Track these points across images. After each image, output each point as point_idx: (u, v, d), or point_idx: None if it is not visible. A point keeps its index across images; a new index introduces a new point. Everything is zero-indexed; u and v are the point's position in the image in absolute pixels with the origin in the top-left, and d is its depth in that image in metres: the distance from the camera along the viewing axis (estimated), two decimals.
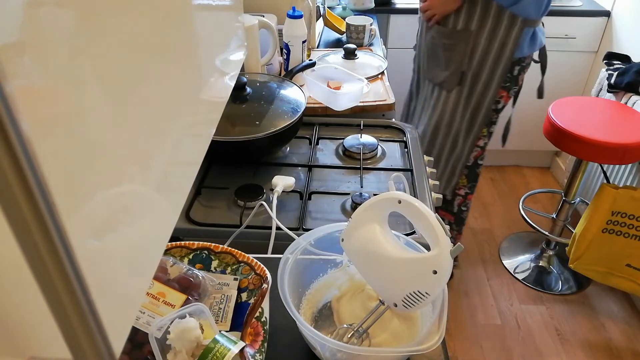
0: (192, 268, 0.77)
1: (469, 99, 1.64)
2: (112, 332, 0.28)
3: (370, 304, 0.77)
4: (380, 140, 1.28)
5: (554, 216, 2.15)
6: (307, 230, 0.98)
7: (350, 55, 1.62)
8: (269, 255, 0.94)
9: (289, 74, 1.43)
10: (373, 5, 2.13)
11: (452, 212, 1.94)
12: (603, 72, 2.08)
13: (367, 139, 1.27)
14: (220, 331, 0.66)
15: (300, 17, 1.50)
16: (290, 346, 0.78)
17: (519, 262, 2.24)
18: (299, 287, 0.80)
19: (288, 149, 1.26)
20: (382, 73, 1.57)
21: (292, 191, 1.06)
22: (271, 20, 1.47)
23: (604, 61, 2.13)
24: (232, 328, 0.74)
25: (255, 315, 0.72)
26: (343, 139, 1.27)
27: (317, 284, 0.84)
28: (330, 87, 1.36)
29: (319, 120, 1.35)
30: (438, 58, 1.63)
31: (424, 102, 1.77)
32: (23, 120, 0.21)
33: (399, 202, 0.69)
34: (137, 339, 0.68)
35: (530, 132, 2.66)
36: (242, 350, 0.64)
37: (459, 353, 1.85)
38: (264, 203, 1.00)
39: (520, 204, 2.27)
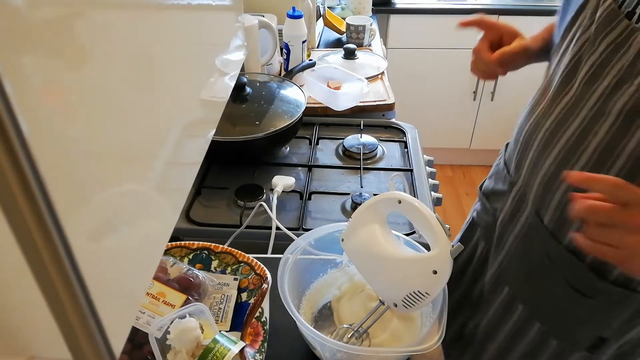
0: (192, 268, 0.77)
1: None
2: (112, 332, 0.28)
3: (370, 304, 0.77)
4: (380, 140, 1.28)
5: None
6: (307, 230, 0.98)
7: (350, 55, 1.62)
8: (269, 255, 0.94)
9: (289, 74, 1.43)
10: (371, 13, 2.13)
11: None
12: None
13: (367, 139, 1.27)
14: (220, 331, 0.66)
15: (300, 17, 1.50)
16: (290, 346, 0.78)
17: None
18: (299, 287, 0.80)
19: (288, 149, 1.26)
20: (382, 73, 1.57)
21: (292, 191, 1.06)
22: (271, 20, 1.47)
23: None
24: (232, 328, 0.74)
25: (255, 315, 0.72)
26: (343, 139, 1.27)
27: (317, 284, 0.84)
28: (330, 87, 1.36)
29: (319, 120, 1.35)
30: (553, 298, 0.79)
31: (494, 312, 0.90)
32: (23, 121, 0.21)
33: (399, 202, 0.69)
34: (137, 339, 0.68)
35: None
36: (242, 350, 0.64)
37: None
38: (263, 204, 1.00)
39: None
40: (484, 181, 0.97)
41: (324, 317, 0.81)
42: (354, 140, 1.26)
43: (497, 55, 0.83)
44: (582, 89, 0.69)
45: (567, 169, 0.69)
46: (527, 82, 1.71)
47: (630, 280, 0.70)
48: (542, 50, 0.85)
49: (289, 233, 0.95)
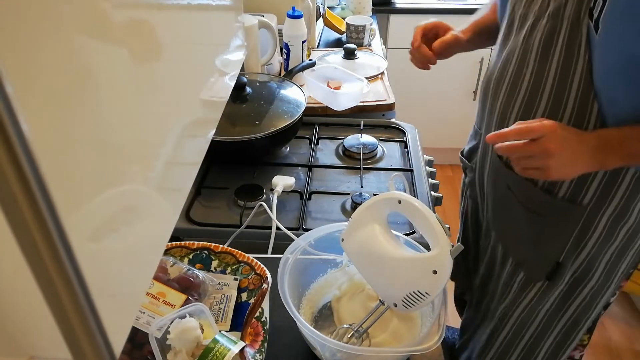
0: (192, 268, 0.77)
1: (566, 303, 0.95)
2: (112, 332, 0.28)
3: (370, 304, 0.77)
4: (380, 140, 1.28)
5: None
6: (307, 230, 0.98)
7: (350, 55, 1.62)
8: (269, 255, 0.94)
9: (289, 74, 1.43)
10: (371, 13, 2.14)
11: None
12: None
13: (367, 139, 1.27)
14: (220, 331, 0.66)
15: (300, 17, 1.50)
16: (290, 346, 0.78)
17: None
18: (299, 287, 0.80)
19: (288, 149, 1.26)
20: (382, 73, 1.57)
21: (292, 191, 1.06)
22: (271, 20, 1.47)
23: None
24: (232, 328, 0.74)
25: (255, 315, 0.72)
26: (343, 139, 1.27)
27: (317, 284, 0.84)
28: (330, 87, 1.36)
29: (319, 120, 1.35)
30: (517, 226, 0.93)
31: (486, 261, 1.07)
32: (23, 121, 0.21)
33: (399, 202, 0.69)
34: (137, 339, 0.68)
35: None
36: (242, 350, 0.64)
37: None
38: (263, 204, 1.00)
39: None
40: (463, 149, 1.14)
41: (324, 317, 0.81)
42: (354, 140, 1.26)
43: (436, 47, 1.00)
44: (515, 36, 0.85)
45: (510, 105, 0.87)
46: None
47: (575, 196, 0.84)
48: (471, 41, 1.03)
49: (289, 233, 0.95)
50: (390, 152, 1.26)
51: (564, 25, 0.75)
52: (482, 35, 1.04)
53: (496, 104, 0.91)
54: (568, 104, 0.78)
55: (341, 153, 1.25)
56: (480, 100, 1.00)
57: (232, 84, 0.67)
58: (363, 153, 1.22)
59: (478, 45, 1.05)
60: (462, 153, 1.15)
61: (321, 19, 1.93)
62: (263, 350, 0.71)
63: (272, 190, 1.03)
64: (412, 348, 0.65)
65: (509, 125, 0.78)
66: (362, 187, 1.12)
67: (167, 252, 0.81)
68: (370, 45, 1.84)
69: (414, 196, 1.07)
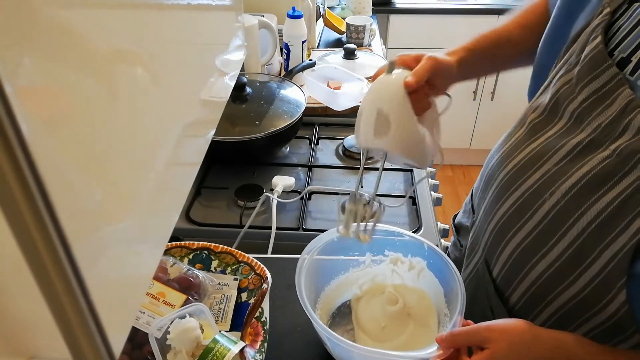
0: (192, 268, 0.77)
1: None
2: (111, 332, 0.28)
3: (390, 307, 0.77)
4: None
5: None
6: (307, 230, 0.98)
7: (350, 55, 1.62)
8: (269, 255, 0.94)
9: (289, 74, 1.43)
10: (371, 13, 2.13)
11: None
12: None
13: None
14: (220, 331, 0.66)
15: (300, 17, 1.50)
16: (290, 346, 0.78)
17: None
18: (318, 281, 0.79)
19: (288, 149, 1.26)
20: None
21: (292, 191, 1.06)
22: (271, 20, 1.47)
23: None
24: (232, 328, 0.74)
25: (255, 315, 0.72)
26: (343, 139, 1.27)
27: (337, 280, 0.83)
28: (330, 87, 1.36)
29: (319, 120, 1.35)
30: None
31: None
32: (22, 121, 0.21)
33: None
34: (137, 339, 0.68)
35: None
36: (242, 350, 0.64)
37: None
38: (268, 197, 1.00)
39: None
40: (457, 213, 0.92)
41: (342, 314, 0.80)
42: (354, 140, 1.26)
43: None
44: (552, 141, 0.61)
45: (518, 225, 0.63)
46: (527, 83, 1.71)
47: None
48: (467, 62, 0.72)
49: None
50: None
51: (633, 177, 0.52)
52: (488, 55, 0.75)
53: (498, 208, 0.67)
54: (594, 264, 0.55)
55: (341, 153, 1.25)
56: (484, 182, 0.74)
57: (232, 84, 0.67)
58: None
59: (479, 69, 0.77)
60: (454, 219, 0.93)
61: (321, 19, 1.93)
62: (263, 350, 0.71)
63: (272, 190, 1.03)
64: (419, 353, 0.64)
65: (502, 254, 0.64)
66: (362, 187, 1.12)
67: (167, 252, 0.81)
68: (370, 45, 1.84)
69: (414, 196, 1.08)
